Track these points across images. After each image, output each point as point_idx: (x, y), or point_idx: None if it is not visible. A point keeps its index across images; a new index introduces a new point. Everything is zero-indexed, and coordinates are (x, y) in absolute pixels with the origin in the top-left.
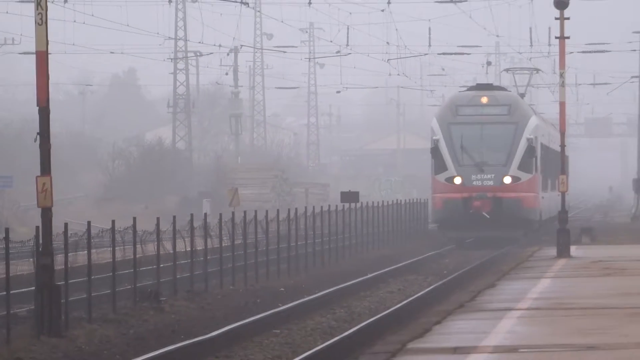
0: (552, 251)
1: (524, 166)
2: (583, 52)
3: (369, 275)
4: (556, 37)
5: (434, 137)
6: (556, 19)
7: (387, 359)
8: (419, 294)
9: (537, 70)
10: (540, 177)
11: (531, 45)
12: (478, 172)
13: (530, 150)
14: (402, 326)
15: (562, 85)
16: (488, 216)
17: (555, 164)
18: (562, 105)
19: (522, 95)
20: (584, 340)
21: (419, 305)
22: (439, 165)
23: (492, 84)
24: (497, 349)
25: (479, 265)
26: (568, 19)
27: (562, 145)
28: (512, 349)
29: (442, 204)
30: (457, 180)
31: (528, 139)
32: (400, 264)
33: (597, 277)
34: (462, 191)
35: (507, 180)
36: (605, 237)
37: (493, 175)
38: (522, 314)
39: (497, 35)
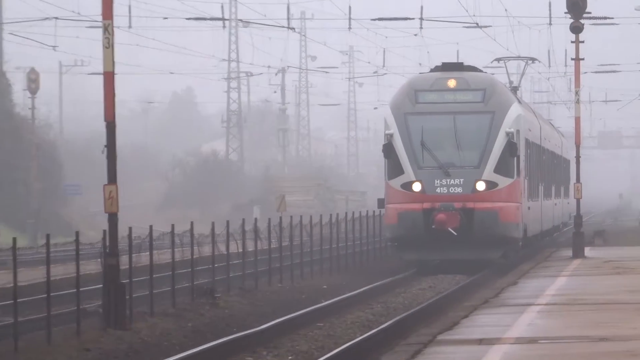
0: (568, 252)
1: (503, 168)
2: (596, 72)
3: (402, 275)
4: (572, 59)
5: (387, 132)
6: (572, 42)
7: (419, 349)
8: (448, 291)
9: (533, 59)
10: (526, 183)
11: (549, 66)
12: (443, 176)
13: (510, 147)
14: (433, 320)
15: (577, 102)
16: (455, 233)
17: (548, 166)
18: (577, 120)
19: (516, 89)
20: (597, 332)
21: (448, 301)
22: (394, 167)
23: (462, 63)
24: (519, 340)
25: (502, 266)
26: (582, 42)
27: (577, 157)
28: (532, 340)
29: (397, 217)
30: (416, 187)
31: (508, 133)
32: (431, 264)
33: (609, 276)
34: (422, 201)
35: (481, 186)
36: (616, 239)
37: (462, 180)
38: (541, 309)
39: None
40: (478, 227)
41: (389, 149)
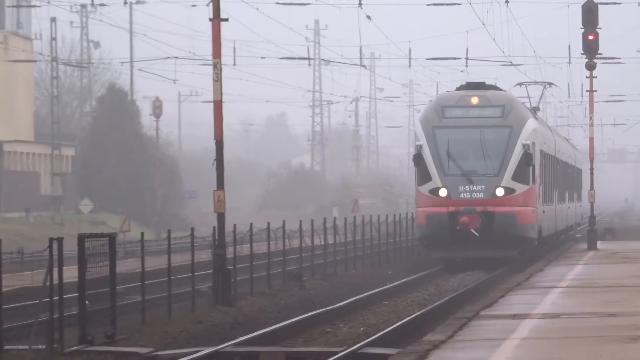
0: (584, 245)
1: (520, 176)
2: (606, 101)
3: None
4: (587, 90)
5: (417, 143)
6: (587, 77)
7: (465, 322)
8: (489, 276)
9: (550, 84)
10: (541, 189)
11: (569, 97)
12: (466, 183)
13: (526, 157)
14: (476, 299)
15: (591, 125)
16: (477, 234)
17: (562, 174)
18: (591, 139)
19: (536, 109)
20: (607, 309)
21: (488, 284)
22: (423, 175)
23: (484, 82)
24: (545, 316)
25: (532, 256)
26: (595, 77)
27: (592, 169)
28: (555, 316)
29: (425, 219)
30: (443, 193)
31: (524, 145)
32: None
33: (617, 264)
34: (447, 205)
35: (500, 192)
36: (622, 235)
37: (483, 186)
38: (562, 291)
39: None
40: (497, 228)
41: (418, 159)
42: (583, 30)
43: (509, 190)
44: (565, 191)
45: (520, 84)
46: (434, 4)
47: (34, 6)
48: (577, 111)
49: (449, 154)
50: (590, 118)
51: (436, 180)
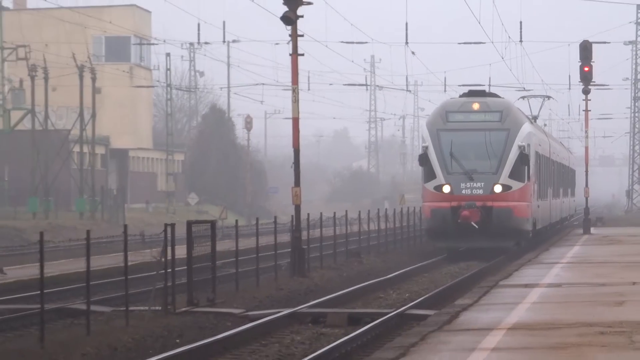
0: (580, 231)
1: (516, 174)
2: (598, 118)
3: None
4: (583, 110)
5: (423, 144)
6: (583, 100)
7: (487, 290)
8: (505, 255)
9: (549, 97)
10: (535, 186)
11: (569, 114)
12: (467, 180)
13: (522, 157)
14: (496, 272)
15: (586, 137)
16: (477, 226)
17: (557, 173)
18: (586, 148)
19: (535, 118)
20: (599, 280)
21: (505, 261)
22: (428, 173)
23: (484, 90)
24: (550, 285)
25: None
26: (590, 100)
27: (587, 171)
28: (557, 285)
29: (431, 213)
30: (446, 189)
31: (520, 147)
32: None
33: (606, 245)
34: (450, 200)
35: (498, 189)
36: (610, 222)
37: (483, 183)
38: (563, 266)
39: (549, 109)
40: (495, 221)
41: (424, 159)
42: (580, 63)
43: (505, 187)
44: (559, 188)
45: (523, 97)
46: (464, 43)
47: (153, 44)
48: (575, 126)
49: (452, 154)
50: (586, 132)
51: (440, 177)
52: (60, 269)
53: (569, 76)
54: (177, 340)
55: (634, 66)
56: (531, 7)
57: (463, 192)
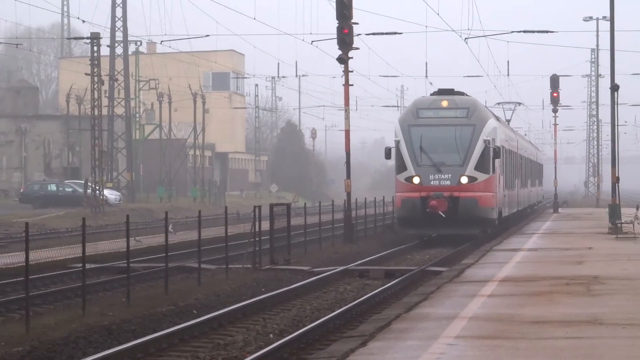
0: (551, 210)
1: (481, 166)
2: (564, 130)
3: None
4: (553, 124)
5: (395, 139)
6: (553, 116)
7: (484, 253)
8: (496, 230)
9: (520, 103)
10: (501, 177)
11: (542, 127)
12: (436, 172)
13: (487, 151)
14: (491, 241)
15: (555, 143)
16: (444, 215)
17: (525, 166)
18: (555, 151)
19: (508, 121)
20: (564, 246)
21: (497, 234)
22: (400, 165)
23: (453, 89)
24: (529, 249)
25: (523, 217)
26: (558, 116)
27: (555, 167)
28: (535, 249)
29: (402, 202)
30: (416, 180)
31: (485, 141)
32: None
33: (570, 221)
34: (420, 190)
35: (464, 180)
36: (572, 204)
37: (450, 175)
38: (539, 235)
39: (528, 123)
40: (462, 210)
41: (397, 152)
42: (551, 90)
43: (471, 179)
44: (527, 179)
45: (498, 103)
46: (467, 76)
47: (246, 77)
48: (547, 135)
49: (422, 148)
50: (554, 139)
51: (410, 169)
52: (179, 238)
53: (542, 100)
54: (263, 289)
55: (589, 92)
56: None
57: (432, 183)
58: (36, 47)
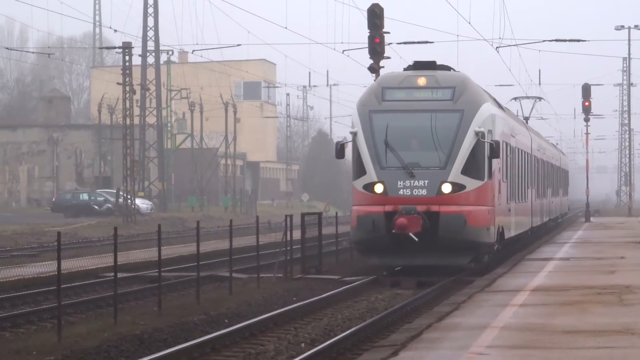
0: (583, 219)
1: (471, 169)
2: (595, 139)
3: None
4: (585, 133)
5: (351, 130)
6: (585, 125)
7: (518, 261)
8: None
9: (540, 98)
10: (506, 185)
11: (574, 136)
12: (407, 177)
13: (479, 147)
14: (524, 250)
15: (587, 152)
16: (416, 238)
17: (544, 172)
18: (587, 160)
19: (527, 119)
20: (596, 255)
21: (528, 244)
22: (358, 168)
23: (435, 62)
24: (561, 259)
25: (559, 224)
26: (590, 125)
27: (587, 176)
28: (567, 259)
29: (357, 220)
30: (378, 189)
31: (477, 133)
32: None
33: (602, 230)
34: (384, 203)
35: (447, 188)
36: (604, 213)
37: (427, 181)
38: (571, 244)
39: (560, 132)
40: (443, 231)
41: (353, 149)
42: (582, 99)
43: (457, 187)
44: (547, 188)
45: (515, 98)
46: (498, 85)
47: (277, 87)
48: (578, 144)
49: (387, 143)
50: (586, 148)
51: (371, 174)
52: (211, 247)
53: (574, 109)
54: (294, 298)
55: (621, 101)
56: (546, 58)
57: (400, 193)
58: (68, 56)
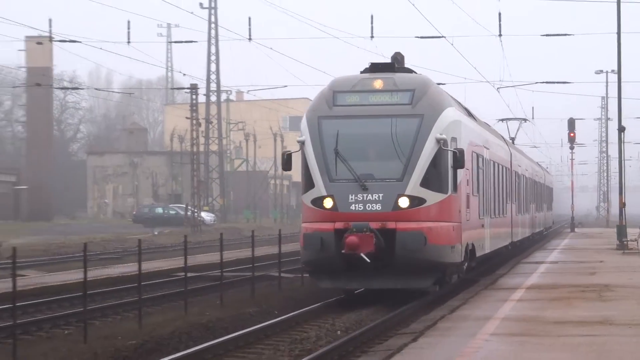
0: (568, 230)
1: (433, 181)
2: (578, 163)
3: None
4: (570, 159)
5: (299, 139)
6: (570, 152)
7: (514, 265)
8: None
9: (525, 119)
10: (477, 199)
11: (561, 161)
12: (359, 190)
13: (441, 156)
14: (520, 255)
15: (572, 174)
16: (368, 259)
17: (526, 187)
18: (572, 182)
19: (513, 139)
20: (580, 259)
21: (525, 249)
22: (306, 180)
23: (394, 63)
24: (551, 262)
25: (545, 236)
26: (574, 152)
27: (572, 195)
28: (556, 262)
29: (304, 239)
30: (327, 204)
31: (439, 140)
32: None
33: (584, 239)
34: (334, 220)
35: (404, 202)
36: (586, 225)
37: (381, 195)
38: (559, 251)
39: (549, 158)
40: (400, 250)
41: (302, 159)
42: (568, 131)
43: (416, 200)
44: (531, 203)
45: (501, 120)
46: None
47: None
48: (565, 168)
49: (337, 152)
50: (572, 171)
51: (320, 187)
52: (263, 251)
53: (561, 139)
54: (333, 294)
55: (600, 133)
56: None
57: (352, 207)
58: (146, 95)
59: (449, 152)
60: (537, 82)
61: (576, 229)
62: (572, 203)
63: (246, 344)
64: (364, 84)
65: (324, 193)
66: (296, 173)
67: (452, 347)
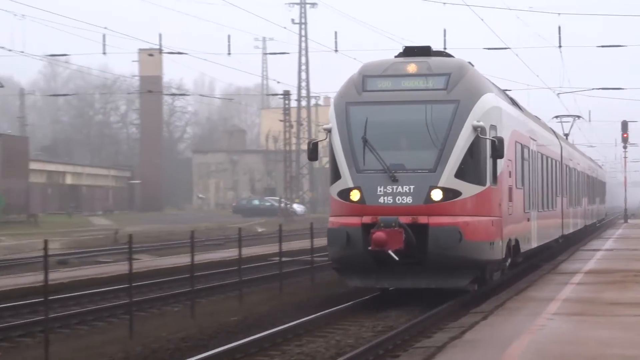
0: (622, 221)
1: (469, 172)
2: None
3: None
4: (623, 157)
5: (325, 127)
6: (623, 151)
7: (574, 252)
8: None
9: (579, 116)
10: (522, 192)
11: (615, 158)
12: (388, 182)
13: (479, 144)
14: (579, 243)
15: (625, 171)
16: (396, 257)
17: (578, 181)
18: (625, 177)
19: (566, 136)
20: (633, 247)
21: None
22: (333, 171)
23: (429, 47)
24: (607, 250)
25: (599, 227)
26: (627, 151)
27: (625, 190)
28: (611, 250)
29: (330, 234)
30: (355, 196)
31: (476, 128)
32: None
33: (636, 229)
34: (361, 213)
35: (437, 195)
36: (639, 217)
37: (413, 187)
38: (614, 239)
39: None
40: (433, 247)
41: (329, 149)
42: (621, 132)
43: (450, 193)
44: (583, 196)
45: (556, 117)
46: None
47: None
48: (618, 166)
49: (366, 141)
50: (625, 168)
51: (346, 178)
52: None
53: (615, 139)
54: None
55: None
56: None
57: (381, 200)
58: (244, 101)
59: (487, 140)
60: (593, 88)
61: (629, 220)
62: (625, 197)
63: (336, 319)
64: (395, 68)
65: (351, 185)
66: None
67: (519, 325)
